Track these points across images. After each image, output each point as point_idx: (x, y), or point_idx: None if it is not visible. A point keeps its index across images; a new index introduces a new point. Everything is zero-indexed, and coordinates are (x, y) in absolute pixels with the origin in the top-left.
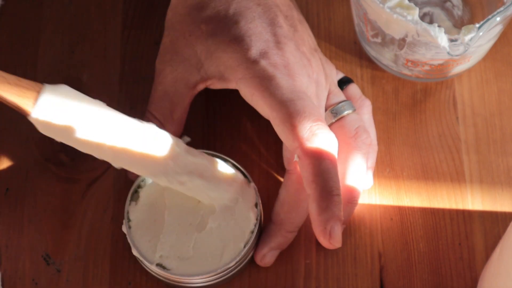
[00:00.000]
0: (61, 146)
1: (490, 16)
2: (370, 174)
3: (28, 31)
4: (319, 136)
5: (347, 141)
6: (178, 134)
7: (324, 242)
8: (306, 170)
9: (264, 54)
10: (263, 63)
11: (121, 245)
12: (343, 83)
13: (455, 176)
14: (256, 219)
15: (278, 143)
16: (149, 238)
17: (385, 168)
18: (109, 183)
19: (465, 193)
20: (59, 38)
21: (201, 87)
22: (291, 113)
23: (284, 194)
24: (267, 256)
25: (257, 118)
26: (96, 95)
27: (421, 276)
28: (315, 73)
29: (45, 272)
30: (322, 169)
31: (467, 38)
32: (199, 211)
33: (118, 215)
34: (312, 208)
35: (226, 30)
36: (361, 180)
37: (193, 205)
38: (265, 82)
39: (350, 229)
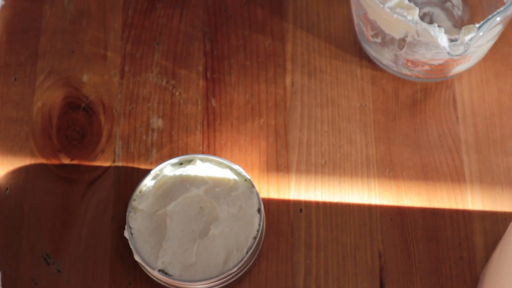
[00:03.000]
0: (61, 146)
1: (490, 16)
2: None
3: (28, 31)
4: None
5: None
6: None
7: None
8: None
9: None
10: None
11: (121, 245)
12: None
13: (455, 176)
14: (259, 225)
15: (279, 143)
16: (152, 245)
17: (385, 168)
18: (109, 183)
19: (465, 193)
20: (59, 38)
21: None
22: None
23: None
24: None
25: (257, 118)
26: (96, 95)
27: (421, 276)
28: None
29: (45, 272)
30: None
31: (467, 38)
32: (202, 218)
33: (118, 215)
34: None
35: None
36: None
37: (196, 211)
38: None
39: (350, 229)
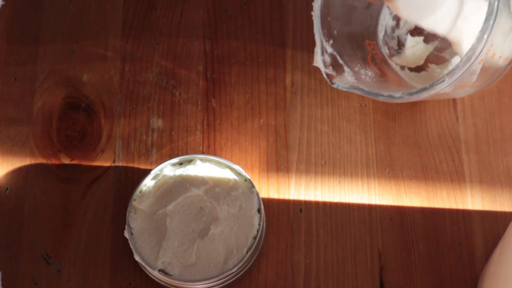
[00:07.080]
0: (61, 146)
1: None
2: None
3: (28, 31)
4: None
5: None
6: None
7: None
8: None
9: None
10: None
11: (121, 245)
12: None
13: (455, 176)
14: (259, 225)
15: (279, 143)
16: (152, 245)
17: (385, 168)
18: (109, 183)
19: (465, 193)
20: (59, 38)
21: None
22: None
23: None
24: None
25: (258, 118)
26: (96, 95)
27: (421, 276)
28: None
29: (45, 272)
30: None
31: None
32: (202, 218)
33: (118, 215)
34: None
35: None
36: None
37: (196, 211)
38: None
39: (350, 229)
